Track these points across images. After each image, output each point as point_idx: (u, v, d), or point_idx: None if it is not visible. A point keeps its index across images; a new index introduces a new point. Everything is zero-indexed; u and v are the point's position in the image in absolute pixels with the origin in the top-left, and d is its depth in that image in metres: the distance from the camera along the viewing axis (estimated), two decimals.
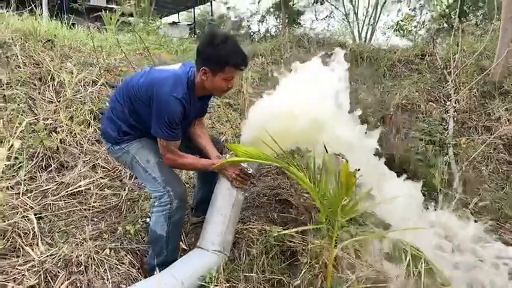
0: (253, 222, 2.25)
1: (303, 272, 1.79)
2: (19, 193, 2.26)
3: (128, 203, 2.47)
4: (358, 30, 14.27)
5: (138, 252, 2.12)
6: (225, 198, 2.02)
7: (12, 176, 2.35)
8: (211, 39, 1.72)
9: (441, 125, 4.00)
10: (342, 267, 1.71)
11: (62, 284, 1.77)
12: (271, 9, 16.80)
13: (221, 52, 1.70)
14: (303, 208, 2.29)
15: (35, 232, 2.03)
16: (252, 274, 1.87)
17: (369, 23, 13.96)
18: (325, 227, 1.63)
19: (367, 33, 13.99)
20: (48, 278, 1.79)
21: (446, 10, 9.61)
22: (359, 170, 1.40)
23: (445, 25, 9.72)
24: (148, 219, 2.30)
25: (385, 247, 1.67)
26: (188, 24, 18.29)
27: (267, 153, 1.83)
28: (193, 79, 1.83)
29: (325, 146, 1.55)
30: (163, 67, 1.94)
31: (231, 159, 1.93)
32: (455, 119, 4.13)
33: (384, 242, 1.67)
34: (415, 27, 11.74)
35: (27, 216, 2.12)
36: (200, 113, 2.08)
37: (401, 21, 12.28)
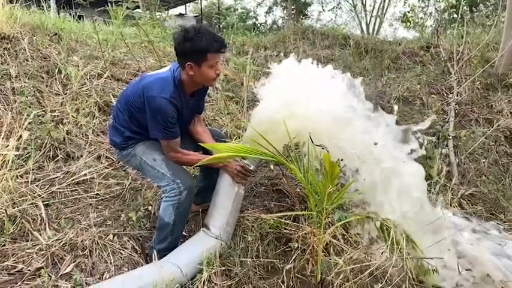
0: (250, 211, 2.33)
1: (294, 257, 1.87)
2: (28, 181, 2.37)
3: (131, 191, 2.57)
4: (366, 22, 14.13)
5: (140, 238, 2.22)
6: (227, 193, 2.10)
7: (21, 165, 2.46)
8: (185, 35, 1.79)
9: (440, 117, 4.00)
10: (331, 252, 1.79)
11: (67, 266, 1.89)
12: (278, 0, 16.69)
13: (199, 43, 1.77)
14: (295, 197, 2.36)
15: (42, 218, 2.15)
16: (247, 259, 1.96)
17: (376, 14, 13.81)
18: (314, 214, 1.70)
19: (374, 24, 13.85)
20: (55, 260, 1.91)
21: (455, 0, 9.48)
22: (342, 160, 1.47)
23: (455, 15, 9.58)
24: (150, 207, 2.41)
25: (371, 229, 1.74)
26: (195, 16, 18.32)
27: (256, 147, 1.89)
28: (180, 78, 1.91)
29: (310, 137, 1.62)
30: (153, 72, 2.05)
31: (229, 154, 2.00)
32: (456, 111, 4.12)
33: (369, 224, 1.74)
34: (421, 18, 11.59)
35: (35, 203, 2.24)
36: (196, 109, 2.16)
37: (408, 12, 12.15)
